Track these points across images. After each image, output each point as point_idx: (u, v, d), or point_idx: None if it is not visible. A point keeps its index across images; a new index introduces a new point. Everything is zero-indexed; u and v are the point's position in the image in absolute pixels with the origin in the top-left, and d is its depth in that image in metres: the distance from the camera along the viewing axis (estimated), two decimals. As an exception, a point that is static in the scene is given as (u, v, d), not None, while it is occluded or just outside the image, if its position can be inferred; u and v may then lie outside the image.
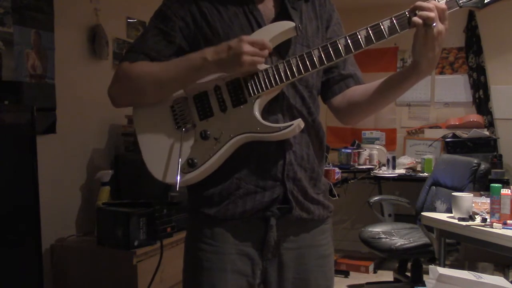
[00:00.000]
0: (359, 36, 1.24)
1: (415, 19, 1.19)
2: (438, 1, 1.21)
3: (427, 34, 1.18)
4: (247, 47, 1.20)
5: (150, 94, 1.33)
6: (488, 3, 1.24)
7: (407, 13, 1.22)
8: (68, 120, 2.80)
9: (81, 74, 2.92)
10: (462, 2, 1.22)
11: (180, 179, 1.28)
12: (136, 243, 2.46)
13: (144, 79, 1.31)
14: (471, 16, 4.60)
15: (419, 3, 1.20)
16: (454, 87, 4.81)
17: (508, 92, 4.57)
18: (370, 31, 1.23)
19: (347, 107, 1.42)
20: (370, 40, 1.23)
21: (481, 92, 4.64)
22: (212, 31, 1.31)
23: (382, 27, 1.23)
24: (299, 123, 1.26)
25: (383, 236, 3.54)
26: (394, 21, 1.22)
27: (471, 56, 4.69)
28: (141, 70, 1.31)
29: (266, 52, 1.23)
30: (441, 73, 4.85)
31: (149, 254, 2.51)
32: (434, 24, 1.17)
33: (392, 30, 1.23)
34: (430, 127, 4.89)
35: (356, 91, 1.41)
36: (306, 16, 1.37)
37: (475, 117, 4.57)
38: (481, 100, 4.64)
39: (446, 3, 1.21)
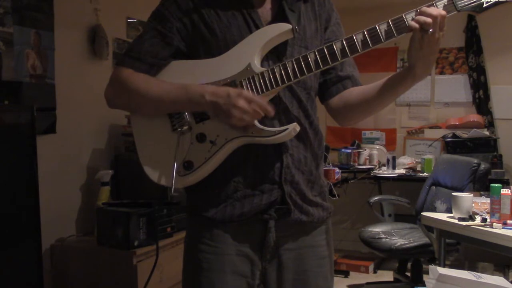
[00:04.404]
0: (355, 40, 1.23)
1: (412, 23, 1.18)
2: (436, 5, 1.20)
3: (423, 39, 1.18)
4: (242, 103, 1.21)
5: (145, 110, 1.35)
6: (486, 7, 1.23)
7: (404, 16, 1.22)
8: (68, 120, 2.80)
9: (81, 74, 2.93)
10: (460, 6, 1.21)
11: (175, 181, 1.28)
12: (136, 243, 2.46)
13: (141, 97, 1.32)
14: (471, 16, 4.59)
15: (423, 8, 1.19)
16: (454, 87, 4.81)
17: (508, 92, 4.57)
18: (366, 35, 1.23)
19: (344, 108, 1.42)
20: (366, 44, 1.23)
21: (481, 92, 4.64)
22: (210, 32, 1.31)
23: (379, 30, 1.22)
24: (294, 127, 1.26)
25: (383, 236, 3.54)
26: (391, 24, 1.22)
27: (471, 56, 4.69)
28: (139, 88, 1.32)
29: (259, 115, 1.23)
30: (441, 73, 4.85)
31: (149, 254, 2.51)
32: (431, 30, 1.16)
33: (389, 34, 1.22)
34: (430, 127, 4.89)
35: (352, 93, 1.41)
36: (305, 17, 1.37)
37: (475, 117, 4.57)
38: (481, 100, 4.64)
39: (444, 7, 1.20)
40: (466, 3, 1.21)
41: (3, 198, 2.05)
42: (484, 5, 1.23)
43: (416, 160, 4.67)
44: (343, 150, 4.64)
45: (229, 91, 1.23)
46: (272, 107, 1.25)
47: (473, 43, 4.66)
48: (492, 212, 2.49)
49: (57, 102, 2.73)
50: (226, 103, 1.22)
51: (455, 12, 1.22)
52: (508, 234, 2.34)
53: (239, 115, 1.21)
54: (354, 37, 1.24)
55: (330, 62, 1.25)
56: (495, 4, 1.23)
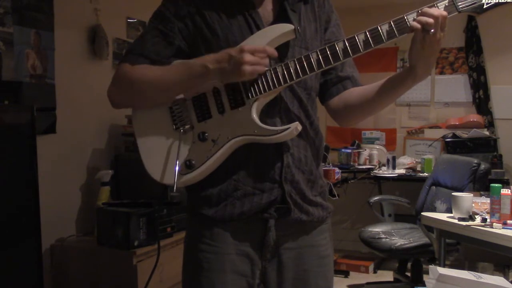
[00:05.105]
0: (357, 40, 1.24)
1: (414, 23, 1.19)
2: (437, 6, 1.21)
3: (424, 40, 1.18)
4: (248, 57, 1.21)
5: (150, 98, 1.34)
6: (487, 9, 1.24)
7: (405, 17, 1.22)
8: (68, 120, 2.80)
9: (81, 74, 2.93)
10: (461, 7, 1.22)
11: (177, 180, 1.28)
12: (136, 243, 2.46)
13: (144, 83, 1.32)
14: (471, 16, 4.59)
15: (425, 8, 1.19)
16: (454, 87, 4.81)
17: (508, 92, 4.57)
18: (368, 35, 1.23)
19: (344, 109, 1.42)
20: (368, 44, 1.23)
21: (481, 92, 4.64)
22: (211, 33, 1.31)
23: (380, 31, 1.23)
24: (296, 126, 1.26)
25: (383, 236, 3.54)
26: (393, 25, 1.22)
27: (471, 56, 4.69)
28: (142, 74, 1.32)
29: (267, 60, 1.24)
30: (441, 73, 4.85)
31: (149, 254, 2.51)
32: (432, 30, 1.17)
33: (390, 34, 1.23)
34: (430, 127, 4.89)
35: (352, 93, 1.41)
36: (305, 18, 1.37)
37: (475, 117, 4.57)
38: (481, 100, 4.64)
39: (446, 8, 1.21)
40: (467, 4, 1.22)
41: (3, 198, 2.05)
42: (485, 6, 1.23)
43: (416, 160, 4.67)
44: (343, 150, 4.64)
45: (230, 52, 1.23)
46: (274, 50, 1.25)
47: (473, 43, 4.66)
48: (492, 212, 2.49)
49: (57, 102, 2.73)
50: (231, 64, 1.22)
51: (456, 13, 1.22)
52: (508, 234, 2.34)
53: (250, 69, 1.21)
54: (356, 38, 1.24)
55: (332, 62, 1.26)
56: (495, 5, 1.24)
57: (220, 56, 1.24)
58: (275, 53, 1.25)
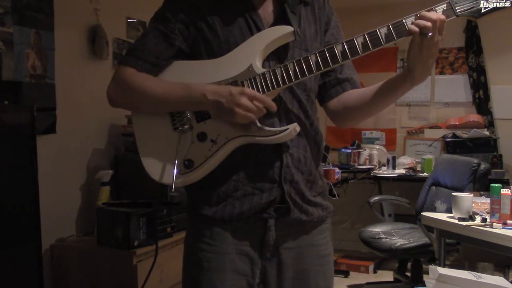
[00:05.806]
0: (356, 43, 1.24)
1: (412, 27, 1.19)
2: (435, 10, 1.21)
3: (422, 43, 1.19)
4: (244, 101, 1.22)
5: (147, 109, 1.36)
6: (485, 13, 1.25)
7: (404, 20, 1.23)
8: (68, 120, 2.80)
9: (81, 74, 2.93)
10: (459, 11, 1.23)
11: (176, 180, 1.29)
12: (136, 243, 2.46)
13: (144, 96, 1.33)
14: (471, 16, 4.60)
15: (423, 12, 1.20)
16: (454, 87, 4.81)
17: (508, 92, 4.57)
18: (367, 38, 1.24)
19: (343, 110, 1.43)
20: (367, 47, 1.24)
21: (481, 92, 4.64)
22: (212, 34, 1.32)
23: (379, 34, 1.24)
24: (294, 127, 1.27)
25: (383, 236, 3.54)
26: (391, 28, 1.23)
27: (471, 56, 4.69)
28: (142, 87, 1.32)
29: (263, 111, 1.24)
30: (441, 73, 4.85)
31: (149, 254, 2.51)
32: (430, 34, 1.17)
33: (389, 37, 1.23)
34: (430, 127, 4.89)
35: (351, 95, 1.42)
36: (305, 20, 1.37)
37: (475, 117, 4.57)
38: (481, 100, 4.64)
39: (444, 12, 1.22)
40: (465, 8, 1.23)
41: (3, 198, 2.05)
42: (483, 11, 1.24)
43: (416, 160, 4.67)
44: (343, 150, 4.65)
45: (231, 90, 1.24)
46: (274, 104, 1.25)
47: (473, 43, 4.66)
48: (492, 212, 2.49)
49: (57, 102, 2.73)
50: (228, 101, 1.23)
51: (454, 17, 1.23)
52: (508, 234, 2.34)
53: (242, 113, 1.22)
54: (355, 40, 1.25)
55: (331, 64, 1.26)
56: (492, 10, 1.24)
57: (221, 89, 1.25)
58: (274, 107, 1.25)
